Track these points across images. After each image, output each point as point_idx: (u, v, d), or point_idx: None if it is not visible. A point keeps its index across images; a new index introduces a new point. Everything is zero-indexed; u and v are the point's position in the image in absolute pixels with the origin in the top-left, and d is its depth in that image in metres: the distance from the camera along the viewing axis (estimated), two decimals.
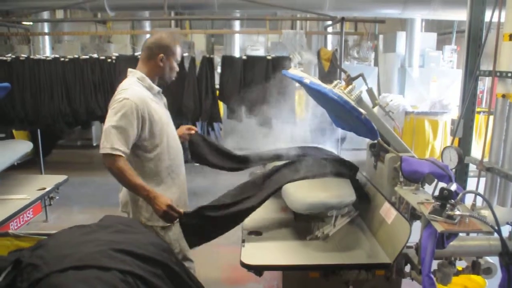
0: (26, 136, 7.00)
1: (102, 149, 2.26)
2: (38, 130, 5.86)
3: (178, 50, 2.56)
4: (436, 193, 2.01)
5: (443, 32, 11.95)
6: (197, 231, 2.36)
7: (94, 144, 9.72)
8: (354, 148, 6.93)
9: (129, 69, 2.55)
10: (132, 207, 2.54)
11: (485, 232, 1.87)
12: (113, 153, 2.23)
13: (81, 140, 9.70)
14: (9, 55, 5.83)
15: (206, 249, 2.95)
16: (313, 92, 2.45)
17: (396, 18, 8.67)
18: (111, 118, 2.29)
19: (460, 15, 7.35)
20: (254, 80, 5.44)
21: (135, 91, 2.39)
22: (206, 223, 2.32)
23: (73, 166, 8.04)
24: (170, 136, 2.58)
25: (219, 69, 6.30)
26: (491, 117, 3.30)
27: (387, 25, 7.79)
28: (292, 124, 3.12)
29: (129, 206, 2.57)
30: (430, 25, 11.83)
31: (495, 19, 3.11)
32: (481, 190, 3.11)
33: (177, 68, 2.61)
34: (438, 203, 1.86)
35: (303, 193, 2.34)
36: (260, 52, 9.22)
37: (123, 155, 2.26)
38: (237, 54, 8.93)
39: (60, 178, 4.00)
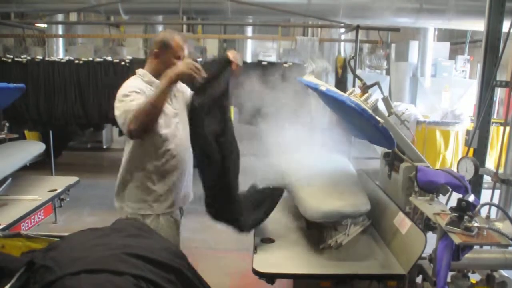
0: (37, 137, 7.05)
1: (124, 129, 2.25)
2: (50, 131, 5.90)
3: (175, 44, 2.44)
4: (452, 204, 1.98)
5: (455, 41, 11.89)
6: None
7: (104, 147, 9.77)
8: (364, 157, 6.89)
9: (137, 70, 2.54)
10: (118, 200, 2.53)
11: (502, 245, 1.84)
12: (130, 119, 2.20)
13: (91, 142, 9.75)
14: (24, 56, 5.89)
15: (214, 255, 2.94)
16: (328, 99, 2.44)
17: (409, 27, 8.64)
18: (118, 108, 2.29)
19: (475, 25, 7.30)
20: (269, 86, 5.41)
21: (135, 82, 2.41)
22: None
23: (82, 168, 8.07)
24: (178, 129, 2.51)
25: None
26: (504, 128, 3.27)
27: (400, 34, 7.76)
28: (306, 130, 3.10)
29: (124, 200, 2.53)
30: (443, 35, 11.78)
31: None
32: (495, 202, 3.07)
33: (173, 60, 2.46)
34: (455, 214, 1.83)
35: (317, 201, 2.32)
36: (272, 58, 9.23)
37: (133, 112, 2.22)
38: (249, 60, 8.94)
39: (71, 180, 4.01)
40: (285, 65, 5.60)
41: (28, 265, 1.50)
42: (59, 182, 3.93)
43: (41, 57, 5.92)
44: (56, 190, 3.73)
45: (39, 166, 5.63)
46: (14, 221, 3.02)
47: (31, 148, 4.09)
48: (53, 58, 5.99)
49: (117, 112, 2.30)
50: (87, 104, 5.77)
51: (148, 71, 2.49)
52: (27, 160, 3.85)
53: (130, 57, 5.88)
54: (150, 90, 2.41)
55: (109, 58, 5.84)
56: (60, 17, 8.33)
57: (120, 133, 6.54)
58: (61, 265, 1.46)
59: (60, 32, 8.36)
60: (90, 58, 5.88)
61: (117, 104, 2.32)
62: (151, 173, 2.45)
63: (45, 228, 4.59)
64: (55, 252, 1.57)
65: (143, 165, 2.44)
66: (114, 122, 6.20)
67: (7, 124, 4.93)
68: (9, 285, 1.43)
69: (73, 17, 10.12)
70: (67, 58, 5.97)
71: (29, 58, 5.85)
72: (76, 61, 5.79)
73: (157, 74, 2.46)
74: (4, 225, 2.90)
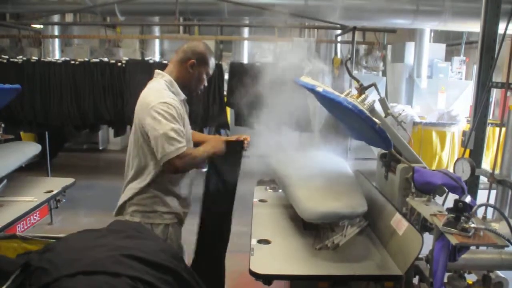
0: (33, 138, 7.02)
1: (167, 156, 2.22)
2: (46, 133, 5.88)
3: (211, 63, 2.50)
4: (448, 205, 1.98)
5: (451, 43, 11.93)
6: None
7: (100, 148, 9.74)
8: (361, 158, 6.89)
9: (157, 71, 2.48)
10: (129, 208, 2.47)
11: (499, 246, 1.84)
12: (179, 154, 2.23)
13: (87, 144, 9.73)
14: (20, 57, 5.87)
15: None
16: (325, 100, 2.44)
17: (405, 28, 8.66)
18: (161, 125, 2.22)
19: (471, 26, 7.33)
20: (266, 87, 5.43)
21: (169, 94, 2.35)
22: None
23: (78, 169, 8.06)
24: (190, 143, 2.55)
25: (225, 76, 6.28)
26: (500, 129, 3.29)
27: (396, 35, 7.79)
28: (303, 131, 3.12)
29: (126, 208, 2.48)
30: (439, 36, 11.82)
31: (509, 31, 3.10)
32: (491, 202, 3.08)
33: (205, 82, 2.55)
34: (452, 215, 1.83)
35: (314, 202, 2.32)
36: (268, 59, 9.20)
37: (185, 148, 2.27)
38: (245, 61, 8.94)
39: (68, 181, 3.97)
40: (280, 66, 5.59)
41: (23, 267, 1.49)
42: (55, 183, 3.90)
43: (37, 58, 5.89)
44: (52, 191, 3.69)
45: (34, 167, 5.60)
46: (10, 222, 2.99)
47: (27, 149, 4.06)
48: (49, 59, 5.97)
49: (161, 134, 2.22)
50: (83, 105, 5.75)
51: (174, 77, 2.44)
52: (23, 161, 3.82)
53: (126, 58, 5.85)
54: (178, 103, 2.38)
55: (106, 59, 5.81)
56: (56, 17, 8.30)
57: (116, 134, 6.53)
58: (58, 267, 1.45)
59: (56, 32, 8.33)
60: (86, 59, 5.85)
61: (159, 123, 2.24)
62: (166, 186, 2.45)
63: (41, 229, 4.57)
64: (51, 253, 1.56)
65: (160, 179, 2.41)
66: (110, 124, 6.22)
67: (3, 125, 4.91)
68: (4, 287, 1.42)
69: (69, 18, 10.09)
70: (63, 59, 5.95)
71: (24, 58, 5.82)
72: (72, 62, 5.77)
73: (183, 84, 2.46)
74: None
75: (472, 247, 2.09)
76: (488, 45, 3.46)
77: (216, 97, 5.71)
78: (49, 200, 3.67)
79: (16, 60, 5.76)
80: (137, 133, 2.38)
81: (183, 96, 2.47)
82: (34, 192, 3.64)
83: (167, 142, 2.22)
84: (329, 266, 2.15)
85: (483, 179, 3.55)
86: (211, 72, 2.52)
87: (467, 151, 3.55)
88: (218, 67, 5.71)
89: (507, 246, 1.80)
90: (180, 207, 2.54)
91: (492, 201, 3.21)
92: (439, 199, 2.28)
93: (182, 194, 2.55)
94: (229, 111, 6.57)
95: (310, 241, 2.41)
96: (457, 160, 2.74)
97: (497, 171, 3.27)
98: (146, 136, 2.31)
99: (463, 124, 7.58)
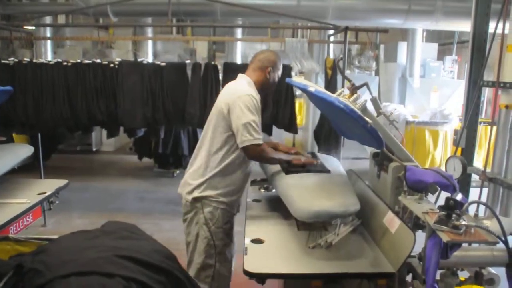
0: (25, 140, 6.98)
1: (245, 142, 2.58)
2: (39, 134, 5.84)
3: (280, 68, 2.95)
4: (440, 203, 2.00)
5: (443, 42, 12.00)
6: None
7: (94, 149, 9.71)
8: (353, 157, 6.93)
9: (240, 74, 2.89)
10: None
11: (490, 243, 1.86)
12: (257, 143, 2.59)
13: (80, 145, 9.70)
14: (12, 58, 5.82)
15: None
16: (317, 100, 2.45)
17: (398, 28, 8.69)
18: (246, 114, 2.59)
19: (462, 25, 7.37)
20: None
21: (252, 91, 2.73)
22: None
23: (72, 171, 8.03)
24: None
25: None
26: (491, 128, 3.32)
27: (388, 35, 7.82)
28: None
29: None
30: (431, 36, 11.89)
31: (499, 31, 3.13)
32: (483, 200, 3.11)
33: (276, 79, 2.95)
34: (443, 213, 1.85)
35: (307, 201, 2.33)
36: None
37: (261, 141, 2.63)
38: (238, 61, 8.94)
39: (61, 182, 3.96)
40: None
41: (16, 269, 1.49)
42: (48, 185, 3.88)
43: (28, 60, 5.84)
44: (45, 193, 3.68)
45: (27, 169, 5.59)
46: (2, 224, 2.98)
47: (20, 151, 4.04)
48: (41, 60, 5.91)
49: (245, 123, 2.58)
50: (76, 107, 5.71)
51: (254, 80, 2.83)
52: (16, 163, 3.80)
53: (119, 59, 5.81)
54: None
55: (98, 60, 5.77)
56: (48, 19, 8.26)
57: (109, 135, 6.49)
58: (51, 268, 1.45)
59: (48, 34, 8.27)
60: (79, 60, 5.81)
61: (244, 112, 2.60)
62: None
63: (34, 231, 4.56)
64: (44, 255, 1.56)
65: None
66: (103, 125, 6.19)
67: None
68: None
69: (61, 19, 10.03)
70: (55, 60, 5.90)
71: (16, 60, 5.77)
72: (65, 63, 5.72)
73: (262, 87, 2.86)
74: None
75: (464, 245, 2.10)
76: (478, 45, 3.48)
77: (213, 97, 5.67)
78: (42, 202, 3.65)
79: (7, 61, 5.71)
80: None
81: (259, 97, 2.80)
82: (27, 194, 3.62)
83: (245, 130, 2.58)
84: (322, 265, 2.16)
85: (475, 177, 3.58)
86: (280, 74, 2.96)
87: (459, 149, 3.58)
88: (214, 67, 5.68)
89: (498, 242, 1.82)
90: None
91: (484, 198, 3.23)
92: (431, 197, 2.30)
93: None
94: None
95: (303, 240, 2.42)
96: (448, 158, 2.76)
97: (488, 169, 3.30)
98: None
99: (455, 123, 7.63)
